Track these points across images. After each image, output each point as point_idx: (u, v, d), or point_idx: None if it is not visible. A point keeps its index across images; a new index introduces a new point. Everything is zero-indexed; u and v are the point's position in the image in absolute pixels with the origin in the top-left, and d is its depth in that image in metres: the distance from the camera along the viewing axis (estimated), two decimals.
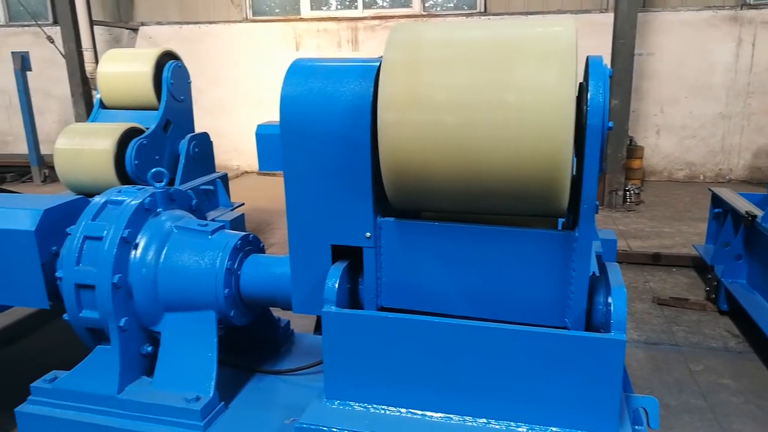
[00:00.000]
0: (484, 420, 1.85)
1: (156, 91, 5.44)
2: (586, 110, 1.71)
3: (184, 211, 2.55)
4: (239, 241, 2.36)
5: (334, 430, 1.86)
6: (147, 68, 5.42)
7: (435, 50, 1.83)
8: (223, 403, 2.23)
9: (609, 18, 8.27)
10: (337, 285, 1.96)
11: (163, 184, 2.47)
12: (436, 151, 1.75)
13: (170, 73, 5.45)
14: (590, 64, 1.78)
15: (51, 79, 10.71)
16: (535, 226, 1.92)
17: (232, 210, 5.66)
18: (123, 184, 4.78)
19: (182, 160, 5.46)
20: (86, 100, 9.98)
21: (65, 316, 2.33)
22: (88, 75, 10.02)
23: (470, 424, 1.86)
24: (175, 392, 2.19)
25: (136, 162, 4.90)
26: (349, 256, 2.07)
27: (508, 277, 1.90)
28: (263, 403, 2.32)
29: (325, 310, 1.94)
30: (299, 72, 2.02)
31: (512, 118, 1.67)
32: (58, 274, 2.31)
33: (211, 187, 5.61)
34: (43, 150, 9.93)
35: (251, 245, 2.45)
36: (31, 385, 2.31)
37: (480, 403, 1.85)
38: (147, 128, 5.22)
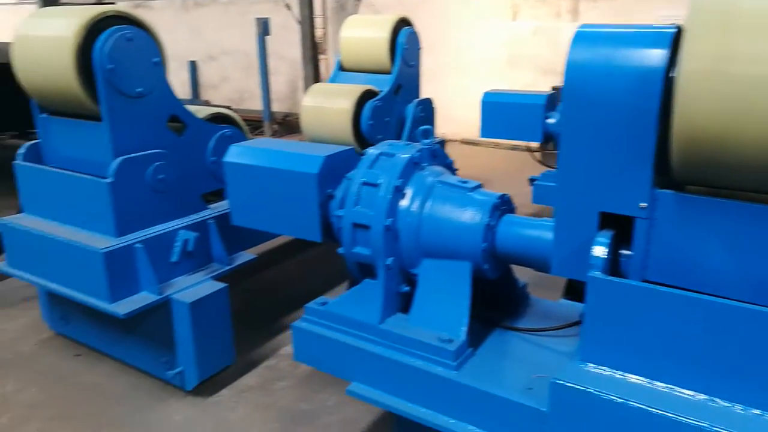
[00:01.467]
0: (758, 411, 1.77)
1: (390, 56, 5.77)
2: None
3: (443, 168, 2.73)
4: (498, 200, 2.48)
5: (591, 391, 1.91)
6: (385, 34, 5.75)
7: (750, 17, 1.72)
8: (471, 348, 2.40)
9: None
10: (605, 252, 1.98)
11: (430, 141, 2.66)
12: (745, 125, 1.66)
13: (405, 38, 5.74)
14: None
15: (283, 43, 11.81)
16: None
17: None
18: (358, 141, 5.21)
19: (408, 123, 5.75)
20: (314, 63, 10.91)
21: (340, 250, 2.66)
22: (317, 40, 10.93)
23: (739, 411, 1.78)
24: (429, 331, 2.40)
25: (371, 122, 5.27)
26: (611, 225, 2.07)
27: None
28: (507, 356, 2.44)
29: (592, 275, 1.97)
30: (586, 38, 2.04)
31: None
32: (338, 213, 2.63)
33: None
34: (273, 107, 11.09)
35: (506, 205, 2.55)
36: (306, 305, 2.67)
37: (755, 392, 1.76)
38: (380, 90, 5.57)
